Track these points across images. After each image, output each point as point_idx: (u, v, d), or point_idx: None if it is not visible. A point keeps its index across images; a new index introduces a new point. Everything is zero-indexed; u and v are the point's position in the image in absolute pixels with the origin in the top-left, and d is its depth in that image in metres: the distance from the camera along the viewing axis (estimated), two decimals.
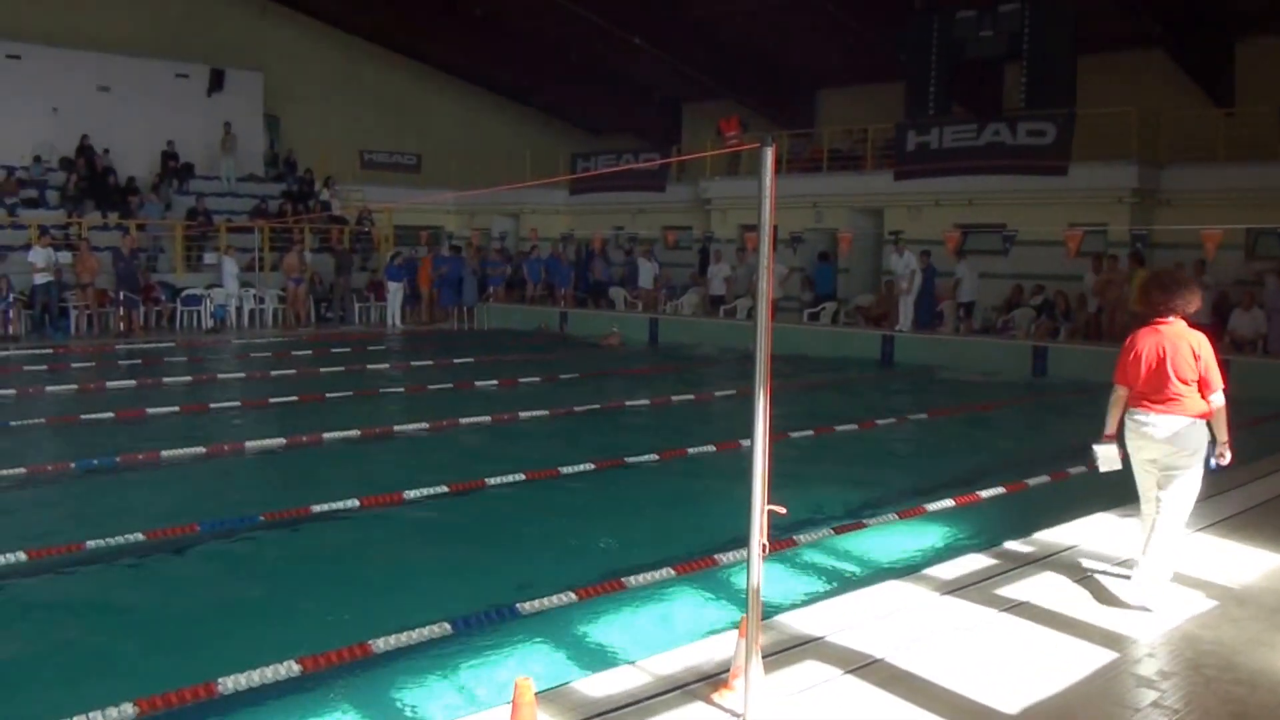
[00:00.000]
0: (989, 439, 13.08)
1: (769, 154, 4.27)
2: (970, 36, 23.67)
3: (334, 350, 20.49)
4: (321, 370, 17.48)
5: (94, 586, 7.03)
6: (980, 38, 23.52)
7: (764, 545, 4.29)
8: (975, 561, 6.57)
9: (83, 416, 12.85)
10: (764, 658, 4.62)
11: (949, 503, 8.79)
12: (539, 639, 5.95)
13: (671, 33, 29.07)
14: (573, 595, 6.32)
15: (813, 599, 6.30)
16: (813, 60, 29.99)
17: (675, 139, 34.29)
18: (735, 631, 4.56)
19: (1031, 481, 9.76)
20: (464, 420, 12.66)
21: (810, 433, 12.20)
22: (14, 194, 25.21)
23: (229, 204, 28.55)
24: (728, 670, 4.60)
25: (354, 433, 11.88)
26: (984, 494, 9.14)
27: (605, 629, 6.16)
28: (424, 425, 12.38)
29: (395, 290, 26.14)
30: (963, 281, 20.93)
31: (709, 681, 4.66)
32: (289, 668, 5.25)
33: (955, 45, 23.91)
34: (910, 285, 20.97)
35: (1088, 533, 7.28)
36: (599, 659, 5.65)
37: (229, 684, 5.08)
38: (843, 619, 5.50)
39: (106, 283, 22.83)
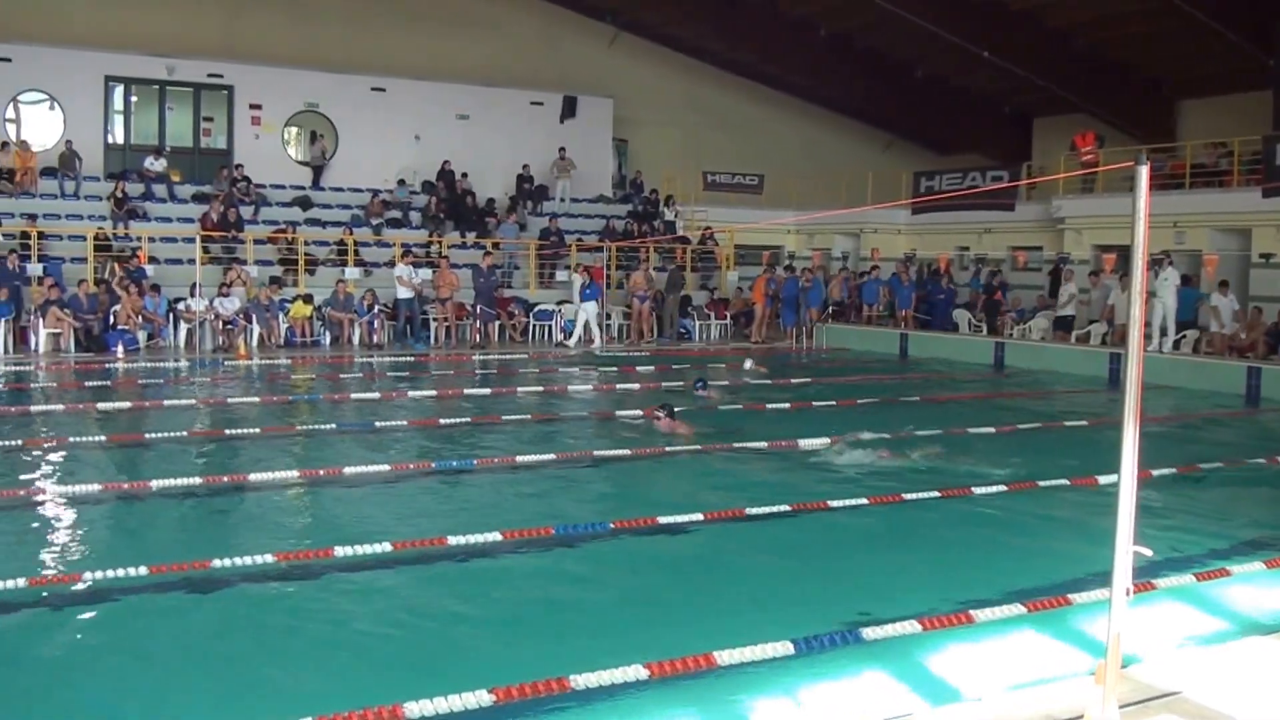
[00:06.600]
0: None
1: (1144, 173, 4.09)
2: None
3: (675, 366, 20.98)
4: (663, 385, 17.93)
5: (453, 580, 7.46)
6: None
7: (1128, 588, 4.11)
8: None
9: (441, 421, 13.76)
10: (1119, 707, 4.41)
11: None
12: (881, 666, 5.88)
13: (1023, 45, 28.18)
14: (917, 625, 6.23)
15: (1172, 649, 5.94)
16: (1174, 69, 28.40)
17: (1025, 155, 33.20)
18: (1090, 677, 4.38)
19: None
20: (802, 442, 12.66)
21: (1172, 470, 11.44)
22: (380, 215, 27.47)
23: (579, 224, 29.91)
24: (1080, 717, 4.41)
25: (695, 445, 12.15)
26: None
27: (950, 662, 5.99)
28: (762, 444, 12.49)
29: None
30: None
31: None
32: (636, 671, 5.44)
33: None
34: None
35: None
36: (942, 693, 5.52)
37: (580, 681, 5.31)
38: (1204, 674, 5.15)
39: (465, 297, 24.42)
